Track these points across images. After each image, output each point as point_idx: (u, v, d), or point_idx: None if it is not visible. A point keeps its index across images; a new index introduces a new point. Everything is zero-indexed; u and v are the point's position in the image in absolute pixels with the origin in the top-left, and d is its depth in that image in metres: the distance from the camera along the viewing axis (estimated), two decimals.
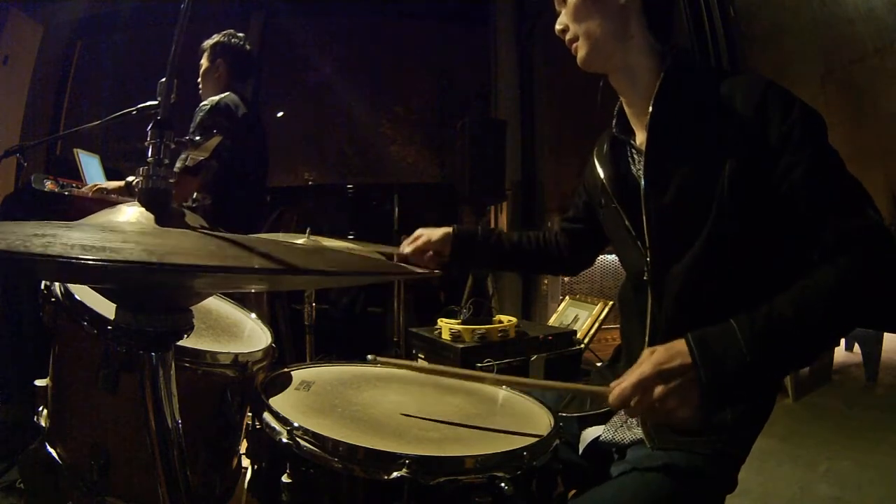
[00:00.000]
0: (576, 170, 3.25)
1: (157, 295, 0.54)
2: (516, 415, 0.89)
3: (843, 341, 3.38)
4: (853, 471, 1.98)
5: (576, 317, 2.71)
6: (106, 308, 0.81)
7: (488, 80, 4.19)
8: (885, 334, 2.96)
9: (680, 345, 0.71)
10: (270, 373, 0.96)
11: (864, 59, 1.92)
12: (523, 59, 4.15)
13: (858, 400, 2.84)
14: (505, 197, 3.35)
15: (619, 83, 0.92)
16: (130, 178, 0.57)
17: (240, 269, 0.42)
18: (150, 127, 0.57)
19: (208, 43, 2.27)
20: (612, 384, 0.73)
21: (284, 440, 0.71)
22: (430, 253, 1.16)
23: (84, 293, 0.86)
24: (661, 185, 0.85)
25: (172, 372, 0.56)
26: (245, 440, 0.86)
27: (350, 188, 3.93)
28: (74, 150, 2.63)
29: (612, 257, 3.23)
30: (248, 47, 2.34)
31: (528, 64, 4.15)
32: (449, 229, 1.17)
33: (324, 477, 0.69)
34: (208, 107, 2.09)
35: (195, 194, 2.15)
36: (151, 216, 0.55)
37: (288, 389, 0.90)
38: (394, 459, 0.65)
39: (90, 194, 2.15)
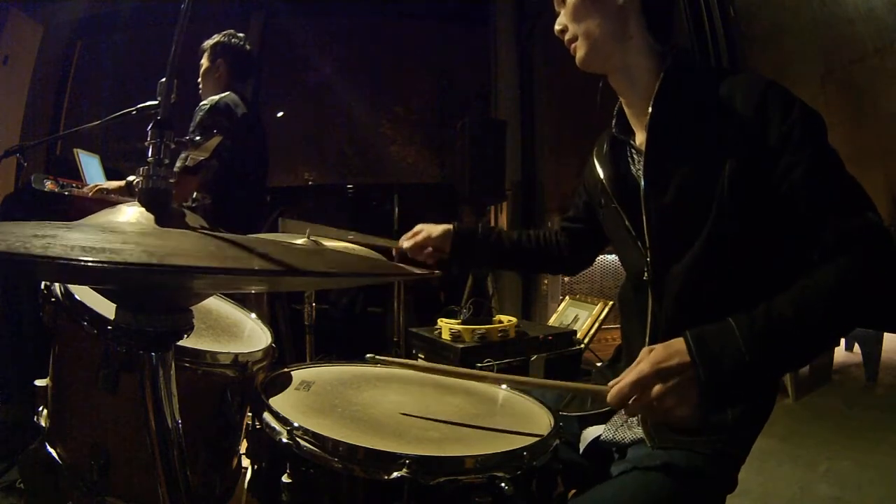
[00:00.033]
0: (576, 170, 3.25)
1: (157, 295, 0.54)
2: (516, 415, 0.89)
3: (843, 341, 3.38)
4: (853, 471, 1.98)
5: (576, 317, 2.71)
6: (106, 308, 0.81)
7: (488, 80, 4.19)
8: (885, 334, 2.96)
9: (678, 343, 0.71)
10: (270, 373, 0.96)
11: (864, 59, 1.91)
12: (523, 59, 4.15)
13: (858, 400, 2.84)
14: (505, 197, 3.35)
15: (619, 83, 0.92)
16: (131, 178, 0.58)
17: (239, 271, 0.42)
18: (150, 127, 0.57)
19: (209, 43, 2.27)
20: (611, 383, 0.73)
21: (284, 440, 0.71)
22: (430, 249, 1.16)
23: (84, 293, 0.86)
24: (660, 185, 0.85)
25: (172, 372, 0.56)
26: (245, 440, 0.86)
27: (350, 188, 3.93)
28: (74, 150, 2.63)
29: (612, 257, 3.23)
30: (248, 47, 2.34)
31: (528, 64, 4.15)
32: (449, 226, 1.17)
33: (324, 477, 0.69)
34: (208, 106, 2.09)
35: (195, 194, 2.15)
36: (151, 216, 0.55)
37: (288, 389, 0.90)
38: (394, 459, 0.65)
39: (90, 194, 2.15)
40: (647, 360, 0.71)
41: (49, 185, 2.22)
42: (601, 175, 0.97)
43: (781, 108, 0.76)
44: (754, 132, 0.77)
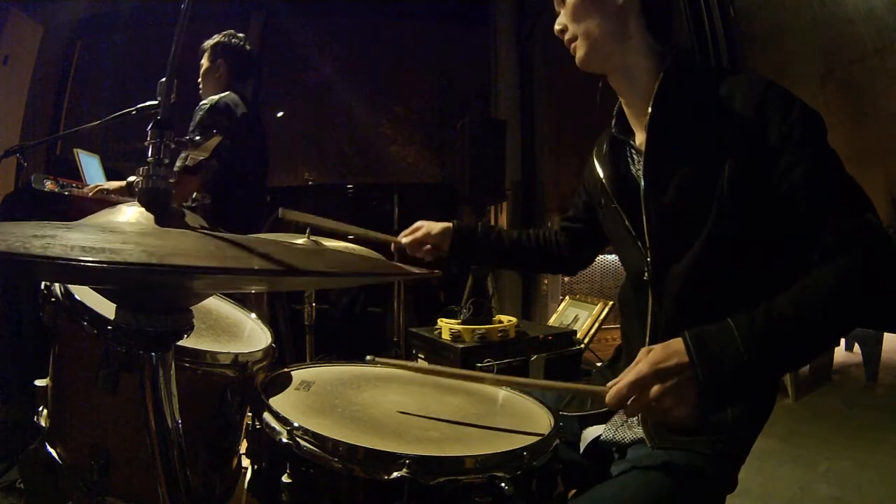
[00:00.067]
0: (576, 170, 3.25)
1: (157, 295, 0.54)
2: (516, 415, 0.89)
3: (843, 341, 3.38)
4: (853, 471, 1.98)
5: (576, 317, 2.71)
6: (106, 308, 0.81)
7: (488, 80, 4.19)
8: (885, 334, 2.96)
9: (677, 343, 0.71)
10: (270, 373, 0.96)
11: (864, 59, 1.91)
12: (523, 59, 4.15)
13: (858, 400, 2.84)
14: (505, 197, 3.35)
15: (618, 83, 0.92)
16: (132, 179, 0.57)
17: (239, 271, 0.42)
18: (150, 127, 0.57)
19: (209, 43, 2.27)
20: (609, 384, 0.73)
21: (284, 440, 0.71)
22: (428, 246, 1.16)
23: (84, 293, 0.86)
24: (660, 185, 0.85)
25: (172, 372, 0.56)
26: (245, 440, 0.86)
27: (350, 188, 3.93)
28: (74, 150, 2.63)
29: (612, 257, 3.23)
30: (248, 47, 2.34)
31: (528, 64, 4.15)
32: (449, 224, 1.17)
33: (324, 477, 0.69)
34: (207, 106, 2.09)
35: (195, 194, 2.15)
36: (151, 216, 0.55)
37: (288, 389, 0.90)
38: (394, 459, 0.65)
39: (91, 195, 2.15)
40: (645, 360, 0.71)
41: (49, 185, 2.22)
42: (601, 175, 0.97)
43: (781, 108, 0.76)
44: (754, 132, 0.77)
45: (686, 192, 0.82)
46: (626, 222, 0.91)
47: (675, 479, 0.79)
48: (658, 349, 0.72)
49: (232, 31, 2.32)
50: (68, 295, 0.87)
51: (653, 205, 0.86)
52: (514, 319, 2.01)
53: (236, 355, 0.92)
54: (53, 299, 0.89)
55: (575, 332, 2.22)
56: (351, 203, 3.79)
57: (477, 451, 0.69)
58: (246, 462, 0.87)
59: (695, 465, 0.80)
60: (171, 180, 0.57)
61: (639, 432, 0.86)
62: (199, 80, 2.29)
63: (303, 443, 0.70)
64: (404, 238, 1.18)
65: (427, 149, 4.33)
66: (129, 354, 0.74)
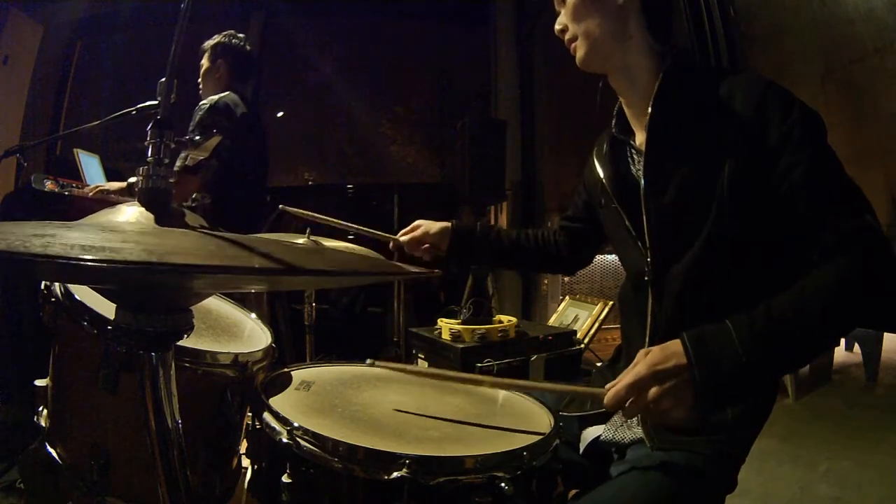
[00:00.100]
0: (576, 170, 3.24)
1: (157, 295, 0.54)
2: (516, 415, 0.89)
3: (843, 341, 3.38)
4: (853, 471, 1.98)
5: (576, 317, 2.71)
6: (106, 308, 0.81)
7: (488, 80, 4.19)
8: (885, 334, 2.96)
9: (675, 345, 0.71)
10: (270, 373, 0.96)
11: (864, 59, 1.91)
12: (523, 59, 4.15)
13: (858, 400, 2.84)
14: (505, 197, 3.35)
15: (619, 83, 0.92)
16: (132, 180, 0.57)
17: (239, 269, 0.42)
18: (149, 126, 0.57)
19: (209, 43, 2.27)
20: (608, 386, 0.73)
21: (284, 440, 0.71)
22: (427, 245, 1.16)
23: (84, 293, 0.86)
24: (660, 185, 0.85)
25: (172, 372, 0.56)
26: (245, 440, 0.86)
27: (350, 188, 3.93)
28: (74, 150, 2.63)
29: (612, 257, 3.23)
30: (248, 48, 2.34)
31: (528, 64, 4.15)
32: (448, 224, 1.17)
33: (324, 477, 0.69)
34: (207, 106, 2.09)
35: (195, 194, 2.15)
36: (151, 216, 0.55)
37: (288, 389, 0.90)
38: (394, 459, 0.65)
39: (91, 195, 2.16)
40: (643, 362, 0.71)
41: (49, 185, 2.22)
42: (601, 175, 0.97)
43: (781, 108, 0.76)
44: (754, 132, 0.77)
45: (686, 191, 0.82)
46: (627, 222, 0.91)
47: (675, 479, 0.79)
48: (656, 351, 0.72)
49: (232, 31, 2.32)
50: (68, 295, 0.87)
51: (653, 205, 0.86)
52: (514, 319, 2.01)
53: (236, 355, 0.92)
54: (53, 299, 0.89)
55: (575, 332, 2.22)
56: (351, 203, 3.79)
57: (477, 451, 0.69)
58: (246, 462, 0.87)
59: (694, 465, 0.80)
60: (171, 180, 0.57)
61: (638, 433, 0.86)
62: (200, 80, 2.29)
63: (303, 443, 0.70)
64: (403, 237, 1.18)
65: (427, 149, 4.33)
66: (129, 354, 0.74)
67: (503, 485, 0.65)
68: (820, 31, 2.09)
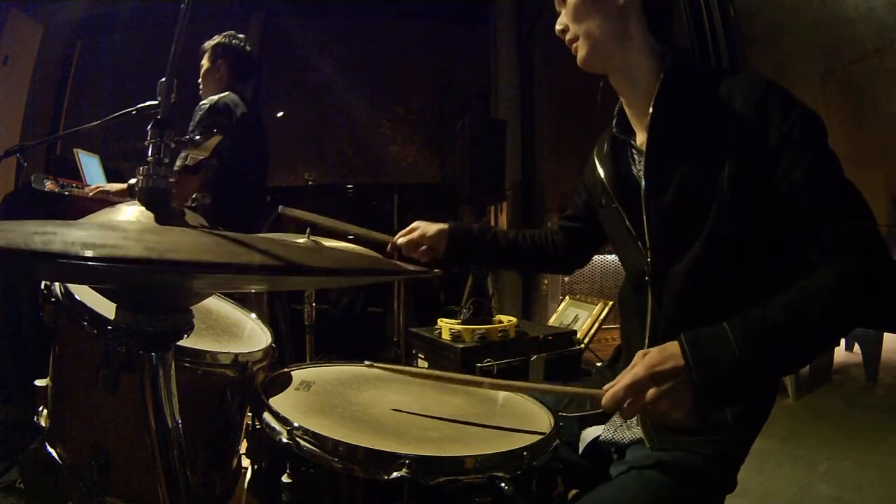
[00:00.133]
0: (576, 170, 3.24)
1: (157, 295, 0.54)
2: (516, 415, 0.89)
3: (843, 341, 3.38)
4: (853, 471, 1.98)
5: (576, 317, 2.71)
6: (106, 308, 0.81)
7: (488, 80, 4.19)
8: (885, 334, 2.96)
9: (673, 347, 0.71)
10: (270, 373, 0.96)
11: (864, 59, 1.91)
12: (523, 59, 4.15)
13: (858, 400, 2.84)
14: (505, 197, 3.35)
15: (619, 83, 0.92)
16: (133, 181, 0.57)
17: (239, 266, 0.42)
18: (149, 126, 0.57)
19: (209, 44, 2.27)
20: (606, 387, 0.73)
21: (284, 440, 0.71)
22: (424, 247, 1.16)
23: (84, 293, 0.86)
24: (661, 185, 0.85)
25: (172, 372, 0.56)
26: (245, 440, 0.86)
27: (350, 188, 3.93)
28: (74, 150, 2.63)
29: (612, 257, 3.23)
30: (248, 48, 2.35)
31: (528, 64, 4.15)
32: (445, 225, 1.17)
33: (324, 477, 0.69)
34: (207, 106, 2.09)
35: (195, 194, 2.15)
36: (151, 215, 0.55)
37: (288, 389, 0.90)
38: (394, 459, 0.65)
39: (91, 195, 2.16)
40: (641, 363, 0.71)
41: (49, 185, 2.22)
42: (602, 175, 0.97)
43: (781, 108, 0.76)
44: (754, 132, 0.77)
45: (686, 192, 0.82)
46: (627, 222, 0.91)
47: (675, 479, 0.79)
48: (654, 352, 0.72)
49: (232, 31, 2.32)
50: (68, 295, 0.87)
51: (653, 205, 0.86)
52: (514, 319, 2.01)
53: (236, 355, 0.92)
54: (53, 299, 0.89)
55: (575, 332, 2.22)
56: (351, 203, 3.79)
57: (477, 451, 0.69)
58: (246, 462, 0.87)
59: (694, 465, 0.80)
60: (171, 180, 0.57)
61: (638, 433, 0.86)
62: (200, 80, 2.29)
63: (303, 443, 0.70)
64: (400, 238, 1.18)
65: (427, 149, 4.33)
66: (129, 354, 0.74)
67: (503, 485, 0.65)
68: (820, 31, 2.09)
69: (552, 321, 2.81)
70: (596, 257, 3.70)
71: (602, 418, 0.95)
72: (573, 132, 3.72)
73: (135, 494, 0.84)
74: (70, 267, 0.38)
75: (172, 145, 0.58)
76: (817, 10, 2.09)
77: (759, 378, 0.74)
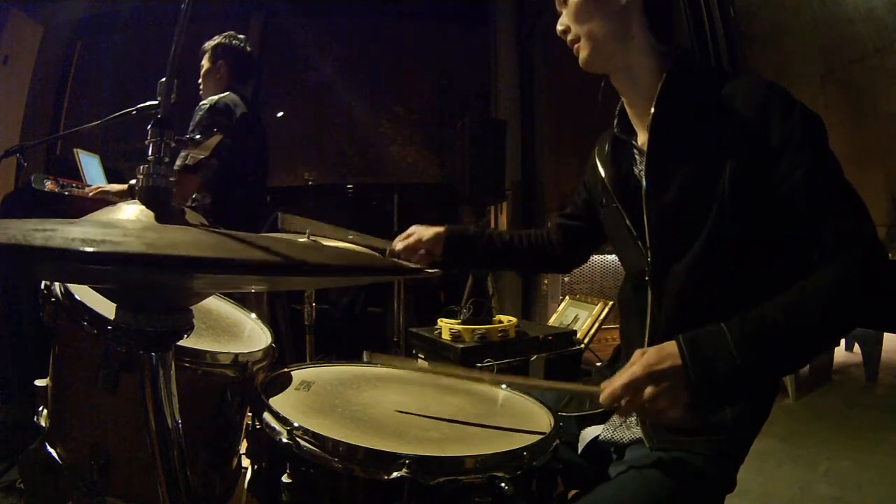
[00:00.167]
0: (576, 170, 3.25)
1: (157, 295, 0.54)
2: (516, 415, 0.89)
3: (843, 341, 3.38)
4: (853, 471, 1.98)
5: (576, 317, 2.71)
6: (106, 308, 0.81)
7: (488, 80, 4.19)
8: (886, 334, 2.96)
9: (671, 346, 0.72)
10: (270, 373, 0.96)
11: (864, 59, 1.91)
12: (523, 59, 4.15)
13: (858, 400, 2.84)
14: (505, 197, 3.35)
15: (621, 83, 0.92)
16: (133, 182, 0.57)
17: (240, 262, 0.42)
18: (150, 125, 0.57)
19: (209, 44, 2.27)
20: (603, 384, 0.73)
21: (284, 440, 0.71)
22: (422, 251, 1.16)
23: (84, 293, 0.86)
24: (662, 185, 0.85)
25: (172, 372, 0.56)
26: (245, 440, 0.86)
27: (350, 188, 3.93)
28: (74, 150, 2.63)
29: (612, 257, 3.22)
30: (248, 49, 2.35)
31: (528, 64, 4.15)
32: (441, 229, 1.16)
33: (324, 477, 0.69)
34: (207, 106, 2.09)
35: (195, 194, 2.15)
36: (151, 214, 0.55)
37: (288, 389, 0.90)
38: (394, 459, 0.65)
39: (91, 195, 2.16)
40: (639, 362, 0.72)
41: (49, 185, 2.23)
42: (602, 174, 0.97)
43: (782, 109, 0.77)
44: (755, 132, 0.77)
45: (687, 192, 0.83)
46: (627, 222, 0.91)
47: (674, 479, 0.79)
48: (652, 351, 0.72)
49: (232, 32, 2.32)
50: (68, 295, 0.87)
51: (654, 205, 0.86)
52: (514, 319, 2.01)
53: (236, 355, 0.92)
54: (53, 299, 0.89)
55: (575, 332, 2.22)
56: (351, 203, 3.78)
57: (477, 451, 0.69)
58: (246, 462, 0.87)
59: (693, 465, 0.80)
60: (172, 179, 0.57)
61: (637, 432, 0.86)
62: (200, 81, 2.29)
63: (303, 443, 0.70)
64: (399, 244, 1.18)
65: (427, 149, 4.33)
66: (129, 354, 0.74)
67: (503, 485, 0.65)
68: (820, 31, 2.09)
69: (552, 321, 2.81)
70: (596, 257, 3.71)
71: (601, 418, 0.95)
72: (573, 132, 3.72)
73: (135, 494, 0.84)
74: (70, 265, 0.38)
75: (172, 144, 0.58)
76: (817, 10, 2.09)
77: (756, 378, 0.74)
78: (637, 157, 0.93)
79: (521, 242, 1.20)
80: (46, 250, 0.35)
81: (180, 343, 0.57)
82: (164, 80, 0.59)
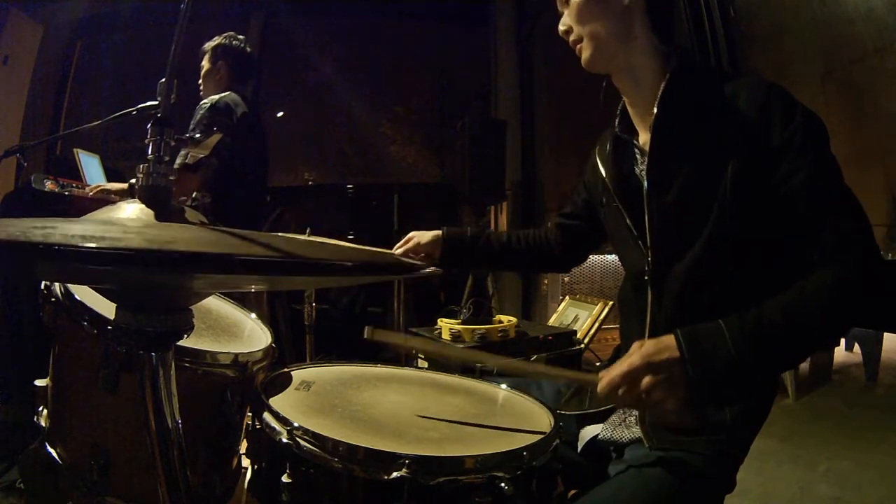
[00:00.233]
0: (576, 170, 3.25)
1: (157, 295, 0.54)
2: (516, 414, 0.89)
3: (843, 341, 3.38)
4: (853, 471, 1.98)
5: (576, 317, 2.71)
6: (106, 308, 0.81)
7: (488, 80, 4.19)
8: (886, 334, 2.96)
9: (669, 339, 0.73)
10: (270, 373, 0.96)
11: (864, 59, 1.91)
12: (523, 59, 4.15)
13: (858, 400, 2.84)
14: (505, 197, 3.35)
15: (623, 83, 0.92)
16: (133, 181, 0.57)
17: (241, 257, 0.41)
18: (150, 124, 0.57)
19: (209, 45, 2.27)
20: (602, 373, 0.74)
21: (284, 440, 0.71)
22: (422, 255, 1.17)
23: (84, 293, 0.86)
24: (664, 185, 0.85)
25: (172, 372, 0.56)
26: (245, 440, 0.86)
27: (350, 188, 3.93)
28: (74, 150, 2.63)
29: (613, 257, 3.23)
30: (248, 49, 2.35)
31: (528, 64, 4.15)
32: (438, 232, 1.17)
33: (324, 477, 0.69)
34: (208, 105, 2.09)
35: (195, 193, 2.15)
36: (151, 212, 0.55)
37: (288, 389, 0.90)
38: (394, 459, 0.65)
39: (92, 194, 2.16)
40: (638, 353, 0.73)
41: (49, 185, 2.22)
42: (603, 174, 0.97)
43: (784, 111, 0.77)
44: (757, 132, 0.77)
45: (689, 192, 0.83)
46: (628, 221, 0.91)
47: (674, 479, 0.79)
48: (650, 343, 0.73)
49: (232, 32, 2.32)
50: (68, 295, 0.87)
51: (655, 204, 0.86)
52: (514, 319, 2.01)
53: (236, 355, 0.92)
54: (53, 299, 0.89)
55: (575, 332, 2.22)
56: (351, 203, 3.78)
57: (477, 451, 0.69)
58: (246, 462, 0.87)
59: (693, 465, 0.80)
60: (172, 178, 0.57)
61: (636, 432, 0.86)
62: (200, 81, 2.29)
63: (303, 443, 0.70)
64: (398, 250, 1.19)
65: (427, 149, 4.33)
66: (129, 354, 0.74)
67: (503, 485, 0.65)
68: (820, 31, 2.09)
69: (552, 321, 2.81)
70: (596, 257, 3.70)
71: (601, 417, 0.96)
72: (573, 132, 3.72)
73: (135, 494, 0.84)
74: (70, 262, 0.37)
75: (172, 143, 0.58)
76: (817, 10, 2.09)
77: (754, 375, 0.75)
78: (638, 156, 0.93)
79: (520, 243, 1.20)
80: (46, 247, 0.35)
81: (180, 343, 0.56)
82: (164, 80, 0.59)
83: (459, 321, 1.92)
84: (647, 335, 0.89)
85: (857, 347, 3.22)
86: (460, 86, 4.28)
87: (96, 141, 3.88)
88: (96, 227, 0.43)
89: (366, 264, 0.51)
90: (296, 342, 2.21)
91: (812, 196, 0.74)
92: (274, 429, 0.73)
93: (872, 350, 3.03)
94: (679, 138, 0.84)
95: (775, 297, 0.73)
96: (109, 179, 2.64)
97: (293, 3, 4.11)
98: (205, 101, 2.13)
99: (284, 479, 0.70)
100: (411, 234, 1.19)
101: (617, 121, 0.96)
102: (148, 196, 0.56)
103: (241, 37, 2.33)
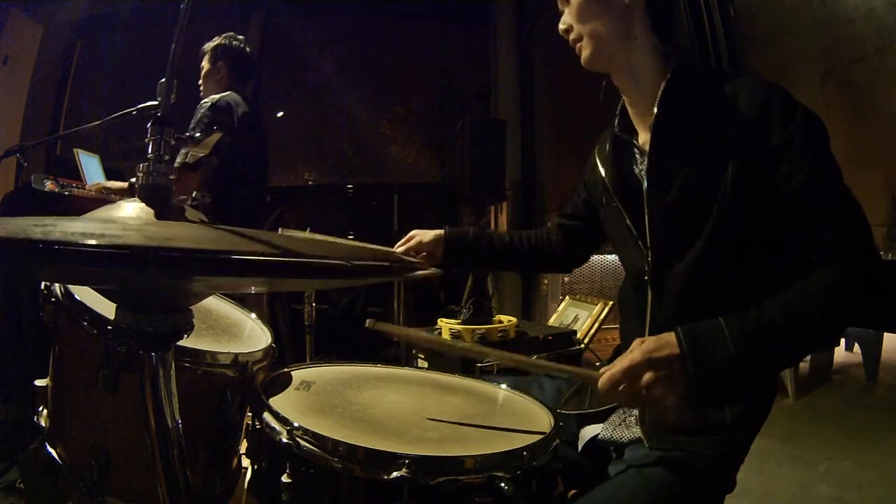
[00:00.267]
0: (576, 170, 3.24)
1: (156, 295, 0.54)
2: (516, 414, 0.89)
3: (843, 341, 3.38)
4: (853, 471, 1.98)
5: (576, 317, 2.71)
6: (106, 308, 0.81)
7: (488, 80, 4.19)
8: (886, 334, 2.96)
9: (669, 336, 0.73)
10: (270, 373, 0.96)
11: (864, 59, 1.91)
12: (523, 59, 4.15)
13: (858, 400, 2.84)
14: (505, 197, 3.35)
15: (623, 83, 0.92)
16: (134, 180, 0.57)
17: (241, 253, 0.41)
18: (150, 123, 0.57)
19: (209, 45, 2.27)
20: (603, 369, 0.74)
21: (284, 440, 0.71)
22: (423, 254, 1.17)
23: (84, 293, 0.86)
24: (664, 185, 0.85)
25: (172, 372, 0.56)
26: (245, 440, 0.86)
27: (350, 188, 3.93)
28: (74, 150, 2.63)
29: (613, 257, 3.23)
30: (248, 49, 2.35)
31: (528, 64, 4.15)
32: (441, 231, 1.17)
33: (324, 477, 0.69)
34: (208, 104, 2.09)
35: (195, 193, 2.15)
36: (151, 211, 0.55)
37: (288, 389, 0.90)
38: (394, 459, 0.65)
39: (93, 193, 2.16)
40: (638, 349, 0.73)
41: (49, 185, 2.22)
42: (603, 174, 0.97)
43: (784, 111, 0.77)
44: (757, 132, 0.77)
45: (689, 192, 0.83)
46: (628, 221, 0.91)
47: (674, 478, 0.79)
48: (651, 340, 0.74)
49: (232, 33, 2.32)
50: (68, 295, 0.87)
51: (655, 204, 0.86)
52: (514, 319, 2.01)
53: (236, 355, 0.92)
54: (53, 299, 0.89)
55: (575, 332, 2.22)
56: (351, 203, 3.78)
57: (477, 451, 0.69)
58: (246, 462, 0.87)
59: (693, 465, 0.80)
60: (172, 176, 0.57)
61: (637, 432, 0.86)
62: (200, 82, 2.29)
63: (303, 443, 0.70)
64: (399, 249, 1.19)
65: (427, 149, 4.33)
66: (129, 354, 0.74)
67: (503, 485, 0.65)
68: (820, 31, 2.09)
69: (552, 321, 2.81)
70: (596, 257, 3.70)
71: (600, 417, 0.96)
72: (573, 132, 3.72)
73: (135, 494, 0.84)
74: (70, 260, 0.37)
75: (172, 142, 0.58)
76: (817, 10, 2.09)
77: (753, 373, 0.76)
78: (638, 156, 0.93)
79: (521, 243, 1.20)
80: (46, 244, 0.35)
81: (180, 343, 0.56)
82: (164, 80, 0.59)
83: (459, 321, 1.92)
84: (647, 335, 0.88)
85: (857, 347, 3.22)
86: (460, 86, 4.29)
87: (96, 141, 3.88)
88: (96, 225, 0.43)
89: (366, 265, 0.51)
90: (296, 342, 2.21)
91: (812, 196, 0.74)
92: (274, 429, 0.73)
93: (872, 350, 3.03)
94: (679, 138, 0.84)
95: (775, 297, 0.73)
96: (109, 179, 2.63)
97: (293, 3, 4.12)
98: (205, 100, 2.13)
99: (284, 479, 0.70)
100: (413, 232, 1.19)
101: (616, 120, 0.96)
102: (148, 195, 0.56)
103: (241, 37, 2.33)
